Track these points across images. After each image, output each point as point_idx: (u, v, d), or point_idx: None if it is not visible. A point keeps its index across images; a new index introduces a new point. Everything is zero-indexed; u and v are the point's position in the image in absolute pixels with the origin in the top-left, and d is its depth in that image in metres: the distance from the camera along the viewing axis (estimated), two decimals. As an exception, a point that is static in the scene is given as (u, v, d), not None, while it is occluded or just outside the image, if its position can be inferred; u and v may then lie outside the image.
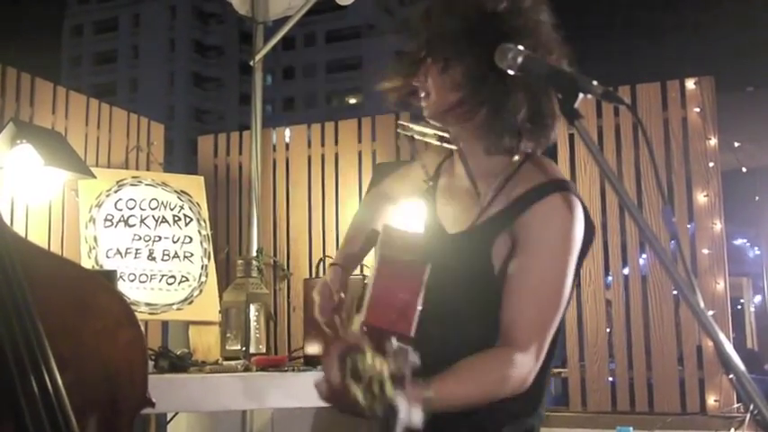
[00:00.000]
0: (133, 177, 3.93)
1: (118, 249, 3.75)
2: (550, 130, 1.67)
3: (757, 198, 7.16)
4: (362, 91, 51.30)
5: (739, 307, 8.08)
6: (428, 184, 1.88)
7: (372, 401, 1.14)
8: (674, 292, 3.91)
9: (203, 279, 3.88)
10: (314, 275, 4.42)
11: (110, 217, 3.77)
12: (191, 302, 3.80)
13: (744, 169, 6.00)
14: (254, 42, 4.57)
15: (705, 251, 3.94)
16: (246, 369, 3.25)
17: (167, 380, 2.97)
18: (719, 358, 1.18)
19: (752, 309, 8.43)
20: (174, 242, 3.88)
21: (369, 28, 51.09)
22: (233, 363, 3.31)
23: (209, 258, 3.93)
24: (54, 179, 3.61)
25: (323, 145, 4.67)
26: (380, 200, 2.13)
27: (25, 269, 1.44)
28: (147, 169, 4.41)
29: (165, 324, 4.27)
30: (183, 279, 3.83)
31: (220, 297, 3.76)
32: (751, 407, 1.16)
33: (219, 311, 3.68)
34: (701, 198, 3.97)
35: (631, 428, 3.63)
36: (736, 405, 3.75)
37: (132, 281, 3.73)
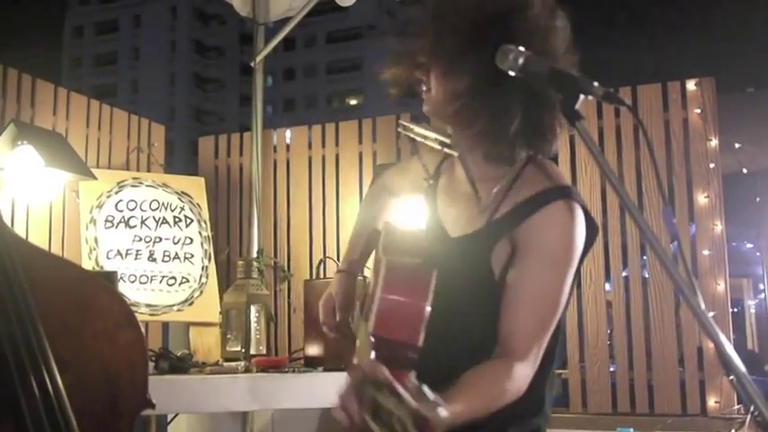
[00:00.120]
0: (134, 178, 3.94)
1: (118, 250, 3.75)
2: (550, 143, 1.65)
3: (758, 199, 7.16)
4: (363, 92, 51.34)
5: (739, 308, 8.08)
6: (428, 183, 1.87)
7: None
8: (675, 294, 3.90)
9: (204, 280, 3.88)
10: (314, 276, 4.42)
11: (110, 218, 3.77)
12: (191, 303, 3.81)
13: (744, 170, 6.00)
14: (255, 43, 4.57)
15: (705, 252, 3.94)
16: (247, 370, 3.25)
17: (168, 381, 2.98)
18: (720, 359, 1.18)
19: (752, 310, 8.43)
20: (175, 243, 3.88)
21: (369, 29, 51.10)
22: (233, 364, 3.31)
23: (209, 259, 3.93)
24: (55, 180, 3.61)
25: (323, 146, 4.67)
26: (382, 195, 2.13)
27: (26, 270, 1.44)
28: (148, 170, 4.41)
29: (165, 325, 4.27)
30: (184, 280, 3.84)
31: (221, 298, 3.76)
32: (751, 408, 1.16)
33: (220, 312, 3.68)
34: (701, 199, 3.97)
35: (632, 430, 3.63)
36: (736, 406, 3.75)
37: (133, 282, 3.73)
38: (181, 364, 3.24)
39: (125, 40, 53.22)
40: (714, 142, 4.00)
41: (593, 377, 4.04)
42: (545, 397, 1.72)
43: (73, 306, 1.52)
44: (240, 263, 3.75)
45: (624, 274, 4.12)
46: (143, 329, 3.76)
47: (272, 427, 4.27)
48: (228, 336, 3.57)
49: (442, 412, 1.14)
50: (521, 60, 1.46)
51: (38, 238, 3.72)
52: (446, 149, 1.75)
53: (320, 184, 4.64)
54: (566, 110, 1.40)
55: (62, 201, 3.88)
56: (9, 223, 3.60)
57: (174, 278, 3.82)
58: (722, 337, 1.18)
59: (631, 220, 3.37)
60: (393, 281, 1.57)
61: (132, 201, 3.85)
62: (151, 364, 3.14)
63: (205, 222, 4.00)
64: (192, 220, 3.96)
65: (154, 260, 3.81)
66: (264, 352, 3.59)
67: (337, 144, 4.65)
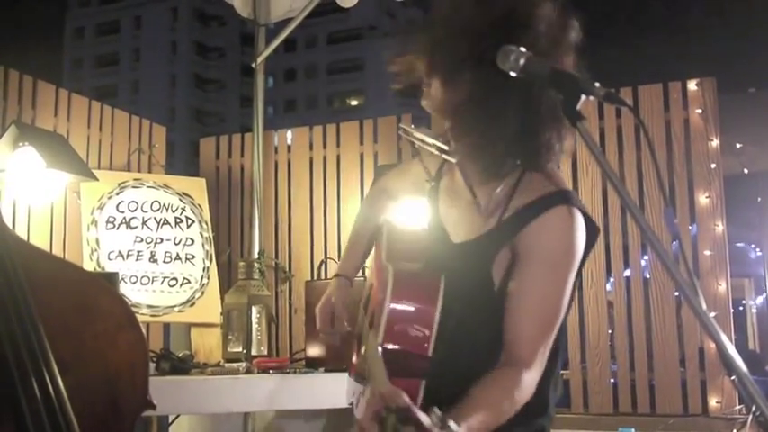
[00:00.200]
0: (135, 179, 3.94)
1: (120, 251, 3.75)
2: (545, 160, 1.63)
3: (759, 200, 7.15)
4: (364, 93, 51.36)
5: (741, 308, 8.07)
6: (430, 184, 1.87)
7: None
8: (676, 294, 3.90)
9: (205, 281, 3.88)
10: (315, 277, 4.42)
11: (111, 219, 3.77)
12: (192, 304, 3.81)
13: (746, 171, 5.99)
14: (256, 44, 4.57)
15: (707, 252, 3.93)
16: (248, 371, 3.26)
17: (169, 382, 2.98)
18: (721, 360, 1.18)
19: (753, 310, 8.43)
20: (176, 244, 3.88)
21: (370, 30, 51.14)
22: (235, 365, 3.31)
23: (210, 260, 3.93)
24: (56, 181, 3.61)
25: (324, 147, 4.67)
26: (381, 197, 2.13)
27: (26, 272, 1.44)
28: (149, 171, 4.42)
29: (166, 326, 4.27)
30: (185, 281, 3.84)
31: (222, 299, 3.76)
32: (753, 408, 1.16)
33: (221, 313, 3.68)
34: (702, 199, 3.97)
35: (633, 430, 3.63)
36: (738, 406, 3.74)
37: (134, 283, 3.73)
38: (182, 365, 3.24)
39: (126, 41, 53.25)
40: (715, 143, 3.99)
41: (594, 377, 4.04)
42: (549, 398, 1.72)
43: (73, 307, 1.52)
44: (241, 264, 3.75)
45: (626, 274, 4.12)
46: (144, 330, 3.77)
47: (273, 427, 4.27)
48: (230, 337, 3.57)
49: None
50: (522, 61, 1.46)
51: (39, 240, 3.72)
52: (444, 156, 1.75)
53: (321, 185, 4.64)
54: (567, 110, 1.40)
55: (63, 202, 3.89)
56: (10, 224, 3.60)
57: (175, 279, 3.82)
58: (723, 338, 1.18)
59: (633, 221, 3.37)
60: (401, 290, 1.57)
61: (133, 202, 3.85)
62: (152, 365, 3.14)
63: (206, 223, 4.00)
64: (194, 221, 3.96)
65: (155, 261, 3.81)
66: (266, 353, 3.59)
67: (338, 145, 4.65)
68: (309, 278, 4.43)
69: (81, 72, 52.07)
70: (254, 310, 3.57)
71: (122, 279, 3.62)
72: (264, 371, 3.27)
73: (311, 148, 4.72)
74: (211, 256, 3.95)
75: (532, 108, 1.55)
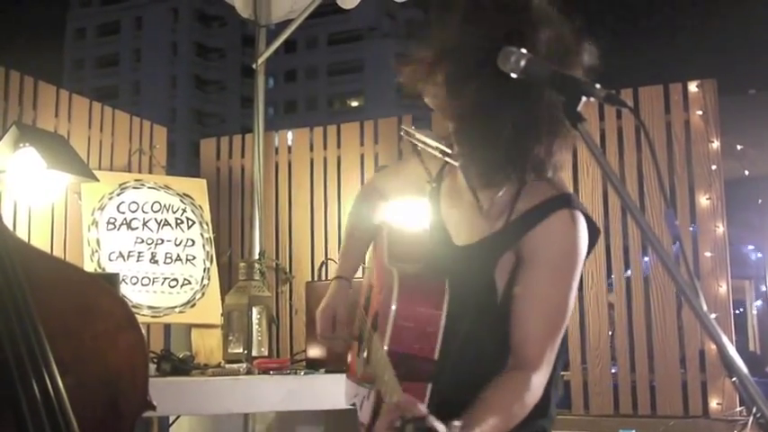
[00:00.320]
0: (136, 180, 3.94)
1: (120, 252, 3.75)
2: (539, 172, 1.64)
3: (760, 201, 7.15)
4: (364, 94, 51.38)
5: (741, 310, 8.07)
6: (432, 186, 1.87)
7: None
8: (677, 295, 3.90)
9: (206, 282, 3.88)
10: (316, 278, 4.41)
11: (112, 220, 3.77)
12: (193, 305, 3.81)
13: (746, 172, 6.00)
14: (257, 45, 4.57)
15: (707, 254, 3.93)
16: (248, 372, 3.26)
17: (170, 383, 2.98)
18: (722, 361, 1.18)
19: (754, 312, 8.42)
20: (177, 245, 3.88)
21: (371, 31, 51.17)
22: (235, 366, 3.31)
23: (211, 261, 3.94)
24: (57, 182, 3.61)
25: (325, 148, 4.67)
26: (373, 196, 2.13)
27: (26, 272, 1.44)
28: (150, 172, 4.42)
29: (167, 327, 4.27)
30: (186, 282, 3.84)
31: (223, 300, 3.76)
32: (754, 410, 1.16)
33: (222, 314, 3.68)
34: (703, 201, 3.97)
35: (634, 431, 3.63)
36: (738, 408, 3.74)
37: (135, 284, 3.73)
38: (183, 366, 3.24)
39: (127, 41, 53.26)
40: (716, 144, 3.99)
41: (594, 379, 4.04)
42: (551, 399, 1.72)
43: (73, 308, 1.52)
44: (242, 265, 3.75)
45: (626, 275, 4.11)
46: (145, 331, 3.77)
47: (273, 428, 4.27)
48: (230, 337, 3.57)
49: None
50: (522, 63, 1.46)
51: (40, 240, 3.72)
52: (447, 158, 1.75)
53: (322, 186, 4.64)
54: (568, 112, 1.40)
55: (64, 203, 3.88)
56: (11, 225, 3.60)
57: (175, 280, 3.82)
58: (724, 339, 1.18)
59: (633, 222, 3.36)
60: (407, 294, 1.57)
61: (134, 202, 3.85)
62: (153, 366, 3.14)
63: (207, 224, 4.00)
64: (194, 222, 3.96)
65: (156, 262, 3.81)
66: (266, 354, 3.59)
67: (339, 146, 4.65)
68: (310, 279, 4.43)
69: (82, 73, 52.09)
70: (255, 311, 3.57)
71: (123, 280, 3.62)
72: (265, 372, 3.27)
73: (312, 148, 4.72)
74: (212, 257, 3.95)
75: (536, 119, 1.55)
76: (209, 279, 3.89)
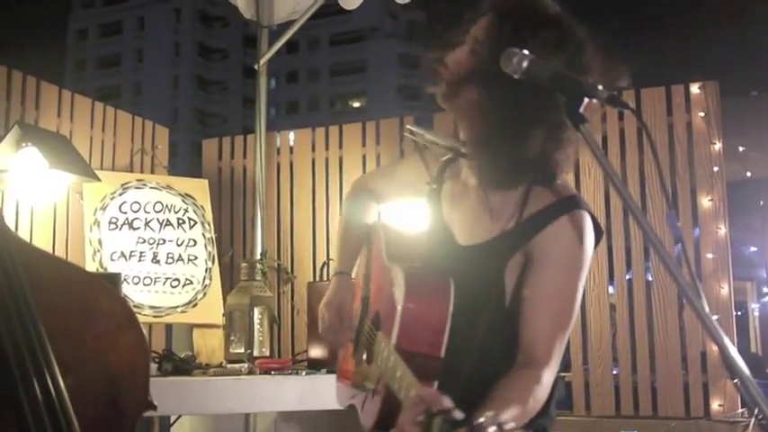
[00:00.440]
0: (137, 180, 3.94)
1: (122, 252, 3.75)
2: (560, 176, 1.69)
3: (762, 203, 7.15)
4: (366, 94, 51.36)
5: (743, 311, 8.05)
6: (432, 187, 1.87)
7: None
8: (678, 297, 3.90)
9: (207, 282, 3.88)
10: (318, 279, 4.42)
11: (114, 220, 3.77)
12: (195, 305, 3.81)
13: (749, 174, 5.99)
14: (259, 46, 4.58)
15: (709, 255, 3.93)
16: (250, 372, 3.26)
17: (171, 383, 2.98)
18: (724, 362, 1.18)
19: (756, 313, 8.40)
20: (179, 245, 3.89)
21: (373, 31, 51.15)
22: (237, 366, 3.31)
23: (213, 261, 3.94)
24: (59, 182, 3.62)
25: (327, 148, 4.68)
26: (362, 195, 2.13)
27: (28, 272, 1.44)
28: (152, 172, 4.42)
29: (168, 327, 4.27)
30: (187, 282, 3.84)
31: (224, 300, 3.77)
32: (755, 411, 1.16)
33: (223, 314, 3.68)
34: (705, 202, 3.97)
35: (635, 432, 3.63)
36: (740, 410, 3.74)
37: (136, 284, 3.73)
38: (184, 366, 3.24)
39: (129, 42, 53.26)
40: (718, 146, 3.99)
41: (596, 380, 4.03)
42: (551, 397, 1.73)
43: (75, 308, 1.52)
44: (244, 265, 3.75)
45: (628, 276, 4.11)
46: (146, 331, 3.77)
47: (274, 428, 4.27)
48: (232, 337, 3.57)
49: None
50: (525, 64, 1.46)
51: (42, 240, 3.73)
52: (457, 155, 1.75)
53: (324, 187, 4.64)
54: (569, 113, 1.40)
55: (66, 202, 3.89)
56: (13, 225, 3.60)
57: (177, 280, 3.82)
58: (726, 340, 1.18)
59: (635, 223, 3.37)
60: (414, 291, 1.58)
61: (136, 202, 3.86)
62: (155, 366, 3.14)
63: (209, 224, 4.00)
64: (196, 222, 3.96)
65: (157, 262, 3.82)
66: (268, 354, 3.59)
67: (341, 146, 4.65)
68: (312, 279, 4.43)
69: (84, 73, 52.10)
70: (257, 311, 3.57)
71: (125, 280, 3.63)
72: (266, 372, 3.27)
73: (313, 149, 4.72)
74: (214, 257, 3.95)
75: (561, 130, 1.58)
76: (210, 279, 3.89)
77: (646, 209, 4.00)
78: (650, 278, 4.05)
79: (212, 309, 3.82)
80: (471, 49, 1.68)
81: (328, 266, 4.38)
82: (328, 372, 3.30)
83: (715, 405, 3.81)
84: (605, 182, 4.01)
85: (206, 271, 3.90)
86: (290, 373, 3.29)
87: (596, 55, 1.64)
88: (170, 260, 3.84)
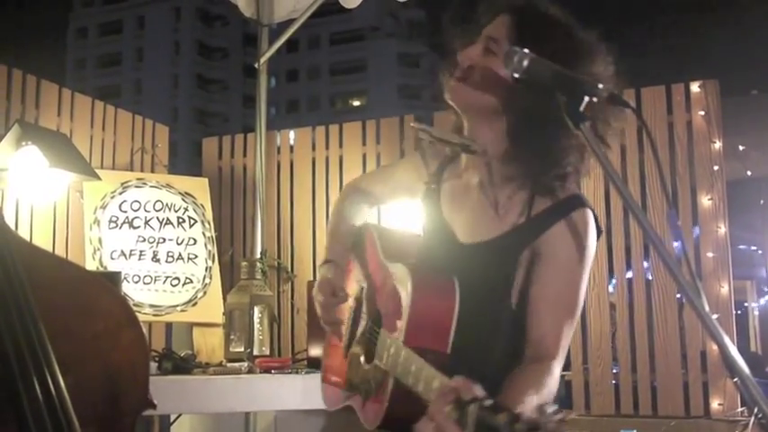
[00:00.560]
0: (138, 179, 3.94)
1: (122, 251, 3.76)
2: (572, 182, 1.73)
3: (762, 202, 7.15)
4: (367, 93, 51.36)
5: (743, 311, 8.05)
6: (431, 187, 1.87)
7: None
8: (678, 296, 3.90)
9: (207, 281, 3.88)
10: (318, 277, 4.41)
11: (114, 218, 3.78)
12: (195, 304, 3.81)
13: (749, 173, 5.99)
14: (259, 45, 4.58)
15: (709, 254, 3.93)
16: (250, 371, 3.26)
17: (171, 381, 2.98)
18: (724, 362, 1.18)
19: (756, 312, 8.41)
20: (179, 244, 3.89)
21: (373, 30, 51.15)
22: (237, 365, 3.31)
23: (213, 260, 3.94)
24: (59, 181, 3.62)
25: (327, 147, 4.67)
26: (355, 196, 2.13)
27: (28, 271, 1.44)
28: (152, 171, 4.42)
29: (168, 326, 4.27)
30: (188, 281, 3.84)
31: (224, 299, 3.77)
32: (755, 410, 1.16)
33: (223, 313, 3.68)
34: (705, 201, 3.97)
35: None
36: (740, 409, 3.74)
37: (136, 282, 3.73)
38: (184, 365, 3.24)
39: (129, 41, 53.25)
40: (718, 145, 3.99)
41: (596, 379, 4.03)
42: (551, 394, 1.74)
43: (74, 306, 1.53)
44: (244, 264, 3.75)
45: (628, 275, 4.11)
46: (146, 330, 3.78)
47: (274, 427, 4.27)
48: (232, 336, 3.57)
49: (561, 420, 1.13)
50: (525, 62, 1.47)
51: (42, 239, 3.73)
52: (467, 152, 1.76)
53: (324, 186, 4.64)
54: (570, 111, 1.40)
55: (66, 201, 3.89)
56: (13, 223, 3.61)
57: (177, 279, 3.82)
58: (726, 340, 1.18)
59: (635, 222, 3.37)
60: (420, 288, 1.59)
61: (136, 201, 3.86)
62: (154, 365, 3.14)
63: (209, 223, 4.00)
64: (196, 221, 3.97)
65: (157, 261, 3.82)
66: (267, 353, 3.59)
67: (341, 145, 4.65)
68: (311, 278, 4.43)
69: (84, 72, 52.08)
70: (257, 310, 3.57)
71: (125, 278, 3.62)
72: (266, 371, 3.27)
73: (314, 148, 4.72)
74: (214, 255, 3.95)
75: (573, 143, 1.62)
76: (210, 278, 3.89)
77: (646, 208, 4.00)
78: (650, 277, 4.05)
79: (212, 307, 3.82)
80: (485, 47, 1.70)
81: (328, 266, 4.38)
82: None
83: (715, 404, 3.81)
84: (605, 180, 4.00)
85: (206, 270, 3.90)
86: (290, 372, 3.29)
87: (605, 60, 1.68)
88: (170, 259, 3.84)
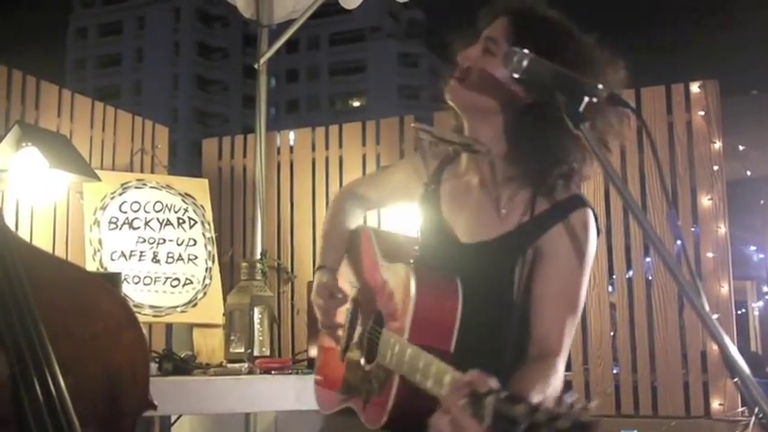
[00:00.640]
0: (138, 180, 3.94)
1: (122, 252, 3.75)
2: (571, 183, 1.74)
3: (762, 202, 7.15)
4: (366, 94, 51.36)
5: (743, 311, 8.05)
6: (430, 188, 1.88)
7: None
8: (679, 296, 3.90)
9: (207, 282, 3.88)
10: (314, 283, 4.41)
11: (114, 219, 3.77)
12: (195, 305, 3.81)
13: (749, 173, 5.99)
14: (259, 45, 4.58)
15: (709, 254, 3.93)
16: (250, 372, 3.26)
17: (171, 382, 2.98)
18: (724, 362, 1.18)
19: (756, 312, 8.40)
20: (179, 245, 3.89)
21: (373, 31, 51.16)
22: (237, 365, 3.31)
23: (213, 261, 3.94)
24: (59, 182, 3.62)
25: (327, 148, 4.67)
26: (351, 200, 2.13)
27: (28, 272, 1.44)
28: (152, 172, 4.42)
29: (169, 326, 4.27)
30: (188, 282, 3.84)
31: (224, 300, 3.76)
32: (756, 410, 1.16)
33: (223, 314, 3.68)
34: (705, 201, 3.97)
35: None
36: (740, 409, 3.74)
37: (137, 283, 3.73)
38: (184, 366, 3.24)
39: (129, 41, 53.25)
40: (718, 145, 3.99)
41: (596, 379, 4.03)
42: None
43: (74, 307, 1.52)
44: (244, 264, 3.75)
45: (628, 275, 4.11)
46: (146, 331, 3.77)
47: (275, 428, 4.27)
48: (232, 337, 3.57)
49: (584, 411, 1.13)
50: (525, 63, 1.47)
51: (42, 240, 3.73)
52: (469, 151, 1.76)
53: (324, 186, 4.64)
54: (569, 112, 1.40)
55: (66, 202, 3.89)
56: (13, 224, 3.61)
57: (177, 279, 3.82)
58: (726, 340, 1.18)
59: (635, 222, 3.37)
60: (424, 287, 1.59)
61: (136, 202, 3.86)
62: (155, 366, 3.14)
63: (209, 224, 4.00)
64: (196, 222, 3.96)
65: (158, 261, 3.82)
66: (268, 353, 3.59)
67: (341, 146, 4.65)
68: (311, 279, 4.42)
69: (84, 72, 52.08)
70: (257, 310, 3.57)
71: (125, 279, 3.62)
72: (266, 372, 3.27)
73: (313, 148, 4.72)
74: (214, 256, 3.95)
75: (574, 143, 1.62)
76: (210, 279, 3.89)
77: (646, 208, 4.00)
78: (650, 277, 4.05)
79: (212, 308, 3.81)
80: (484, 47, 1.72)
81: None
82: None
83: (715, 404, 3.81)
84: (605, 180, 4.00)
85: (206, 270, 3.90)
86: (290, 373, 3.28)
87: (606, 62, 1.69)
88: (170, 260, 3.84)
